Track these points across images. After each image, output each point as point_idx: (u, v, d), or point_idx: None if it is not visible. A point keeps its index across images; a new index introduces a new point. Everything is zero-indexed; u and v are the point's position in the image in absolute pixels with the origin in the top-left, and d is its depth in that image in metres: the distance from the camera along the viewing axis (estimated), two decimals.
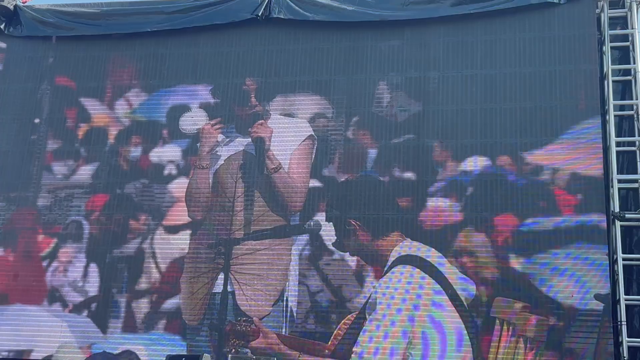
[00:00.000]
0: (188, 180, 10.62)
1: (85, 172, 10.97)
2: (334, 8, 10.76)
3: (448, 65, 10.24)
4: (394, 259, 9.70)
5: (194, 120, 10.87)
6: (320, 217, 10.06)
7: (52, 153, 11.16)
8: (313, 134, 10.46)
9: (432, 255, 9.58)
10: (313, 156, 10.37)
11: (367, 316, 9.56)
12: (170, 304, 10.16)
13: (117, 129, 11.08)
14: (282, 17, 10.84)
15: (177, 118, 10.89)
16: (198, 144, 10.75)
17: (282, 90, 10.67)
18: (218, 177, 10.58)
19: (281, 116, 10.65)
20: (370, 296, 9.62)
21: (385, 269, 9.67)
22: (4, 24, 11.74)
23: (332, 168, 10.26)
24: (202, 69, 11.00)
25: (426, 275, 9.51)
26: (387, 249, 9.75)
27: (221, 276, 10.12)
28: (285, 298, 9.89)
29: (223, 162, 10.61)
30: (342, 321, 9.61)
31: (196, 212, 10.49)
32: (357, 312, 9.61)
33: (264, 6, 10.86)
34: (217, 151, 10.67)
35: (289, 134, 10.53)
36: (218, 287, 10.09)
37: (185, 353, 9.74)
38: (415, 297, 9.48)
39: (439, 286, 9.43)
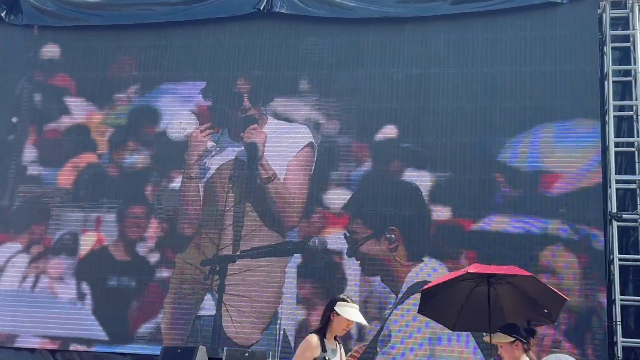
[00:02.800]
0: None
1: (69, 178, 10.49)
2: (335, 4, 10.71)
3: (448, 62, 10.18)
4: (410, 284, 9.02)
5: (182, 125, 10.36)
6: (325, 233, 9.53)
7: (31, 155, 10.71)
8: (313, 141, 10.00)
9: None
10: (313, 166, 9.88)
11: (378, 350, 8.94)
12: (146, 327, 9.61)
13: (110, 131, 10.68)
14: (283, 11, 10.78)
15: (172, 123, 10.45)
16: (185, 152, 10.23)
17: (282, 85, 10.44)
18: (209, 189, 9.95)
19: (278, 120, 10.22)
20: (383, 326, 9.03)
21: (401, 295, 9.05)
22: (4, 12, 11.58)
23: (337, 173, 9.85)
24: (203, 62, 10.81)
25: None
26: (404, 270, 9.12)
27: (207, 297, 9.51)
28: (278, 323, 9.29)
29: (214, 171, 10.03)
30: (350, 353, 8.89)
31: (185, 227, 9.90)
32: (366, 343, 8.99)
33: (265, 0, 10.82)
34: (205, 161, 10.12)
35: (286, 139, 10.10)
36: (203, 310, 9.42)
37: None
38: (434, 331, 8.75)
39: None
